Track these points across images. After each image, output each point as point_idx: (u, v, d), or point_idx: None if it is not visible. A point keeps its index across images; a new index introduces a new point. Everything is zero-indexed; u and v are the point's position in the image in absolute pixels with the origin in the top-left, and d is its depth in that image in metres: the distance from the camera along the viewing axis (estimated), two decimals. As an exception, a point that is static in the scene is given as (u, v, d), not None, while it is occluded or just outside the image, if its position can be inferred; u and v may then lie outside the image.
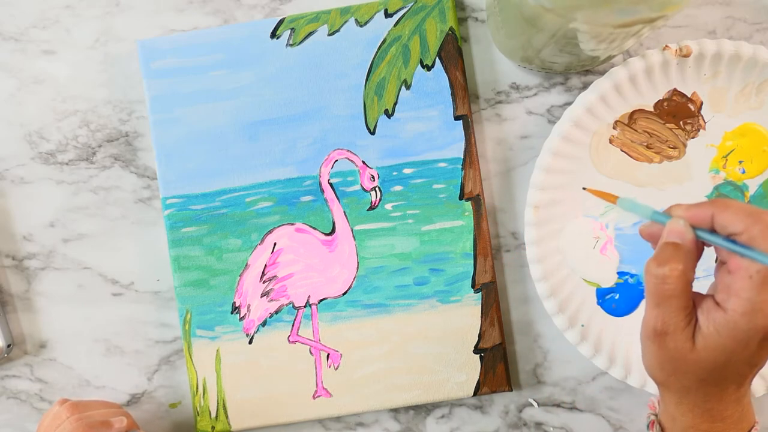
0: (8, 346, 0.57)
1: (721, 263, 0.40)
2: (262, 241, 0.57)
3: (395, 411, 0.58)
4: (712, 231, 0.39)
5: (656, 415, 0.44)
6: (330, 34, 0.57)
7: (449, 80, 0.57)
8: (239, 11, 0.59)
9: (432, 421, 0.58)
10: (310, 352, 0.57)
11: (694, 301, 0.40)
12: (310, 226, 0.57)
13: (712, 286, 0.41)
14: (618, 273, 0.56)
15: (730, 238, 0.38)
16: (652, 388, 0.54)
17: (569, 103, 0.57)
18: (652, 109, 0.55)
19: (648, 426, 0.45)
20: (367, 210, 0.57)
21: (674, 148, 0.56)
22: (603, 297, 0.56)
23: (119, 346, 0.59)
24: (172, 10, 0.59)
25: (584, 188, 0.51)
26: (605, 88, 0.53)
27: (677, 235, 0.40)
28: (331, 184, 0.57)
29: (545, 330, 0.58)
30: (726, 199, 0.40)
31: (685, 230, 0.40)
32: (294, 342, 0.57)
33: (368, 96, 0.57)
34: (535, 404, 0.58)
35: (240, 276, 0.57)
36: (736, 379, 0.40)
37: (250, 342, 0.57)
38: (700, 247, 0.40)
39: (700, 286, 0.56)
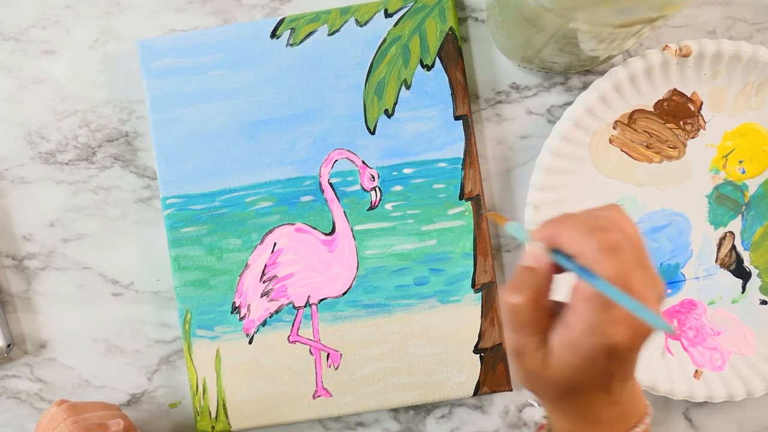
0: (8, 346, 0.57)
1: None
2: (262, 241, 0.57)
3: (395, 411, 0.58)
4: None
5: (546, 418, 0.45)
6: (330, 34, 0.57)
7: (449, 80, 0.57)
8: (239, 11, 0.59)
9: (432, 421, 0.58)
10: (310, 352, 0.57)
11: (550, 318, 0.40)
12: (310, 226, 0.57)
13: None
14: (618, 273, 0.56)
15: (571, 259, 0.38)
16: (653, 388, 0.54)
17: (569, 103, 0.57)
18: (652, 109, 0.55)
19: (536, 429, 0.45)
20: (367, 210, 0.57)
21: (674, 148, 0.56)
22: (603, 297, 0.56)
23: (119, 346, 0.59)
24: (172, 10, 0.59)
25: (485, 212, 0.53)
26: (605, 88, 0.53)
27: (533, 258, 0.39)
28: (331, 184, 0.57)
29: (545, 330, 0.58)
30: (570, 214, 0.39)
31: (541, 253, 0.39)
32: (294, 342, 0.57)
33: (368, 96, 0.57)
34: (535, 404, 0.58)
35: (240, 276, 0.57)
36: (600, 388, 0.40)
37: (250, 342, 0.57)
38: (557, 268, 0.40)
39: (701, 286, 0.56)
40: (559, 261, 0.38)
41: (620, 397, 0.41)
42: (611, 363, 0.38)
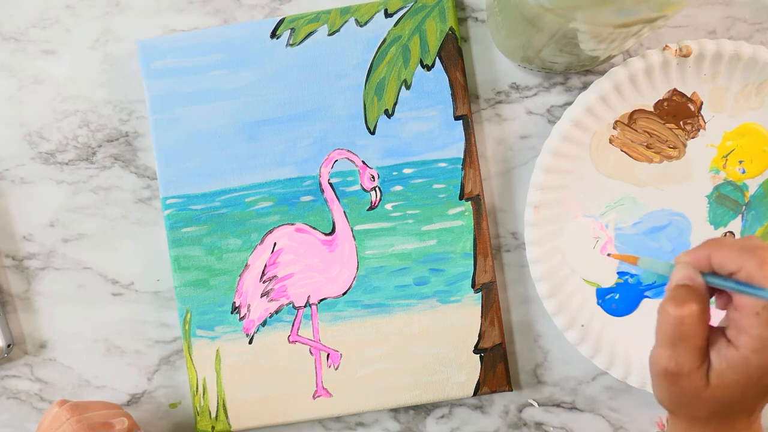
0: (8, 346, 0.57)
1: (727, 298, 0.41)
2: (262, 241, 0.57)
3: (395, 411, 0.58)
4: (714, 273, 0.40)
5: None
6: (330, 34, 0.57)
7: (449, 80, 0.57)
8: (239, 11, 0.59)
9: (432, 421, 0.58)
10: (310, 352, 0.57)
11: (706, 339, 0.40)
12: (310, 226, 0.57)
13: (723, 319, 0.42)
14: (618, 273, 0.56)
15: (730, 277, 0.39)
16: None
17: (569, 103, 0.57)
18: (652, 109, 0.55)
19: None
20: (367, 210, 0.57)
21: (674, 148, 0.56)
22: (603, 297, 0.56)
23: (119, 346, 0.59)
24: (172, 10, 0.59)
25: (609, 254, 0.54)
26: (605, 88, 0.53)
27: (687, 278, 0.40)
28: (331, 184, 0.57)
29: (545, 330, 0.58)
30: (719, 238, 0.41)
31: (693, 274, 0.40)
32: (294, 342, 0.57)
33: (368, 96, 0.57)
34: (535, 404, 0.58)
35: (240, 276, 0.57)
36: (748, 410, 0.40)
37: (250, 342, 0.57)
38: (709, 291, 0.40)
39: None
40: (715, 282, 0.39)
41: (755, 422, 0.41)
42: None
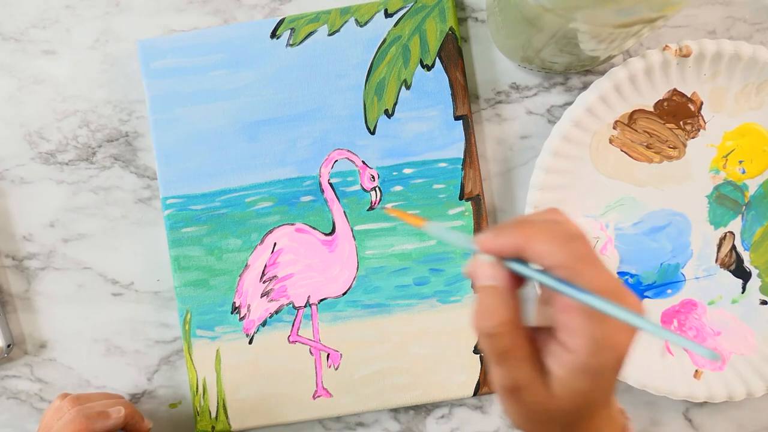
0: (8, 346, 0.57)
1: (546, 293, 0.36)
2: (262, 241, 0.57)
3: (395, 411, 0.58)
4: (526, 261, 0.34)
5: None
6: (330, 34, 0.57)
7: (449, 80, 0.57)
8: (239, 11, 0.59)
9: (432, 421, 0.58)
10: (310, 352, 0.57)
11: (536, 342, 0.35)
12: (310, 226, 0.57)
13: (544, 317, 0.37)
14: (618, 273, 0.56)
15: (546, 271, 0.33)
16: (653, 388, 0.54)
17: (569, 103, 0.57)
18: (652, 109, 0.55)
19: None
20: (367, 210, 0.57)
21: (674, 148, 0.56)
22: (603, 297, 0.56)
23: (119, 346, 0.59)
24: (172, 10, 0.59)
25: (383, 208, 0.50)
26: (605, 88, 0.53)
27: (490, 276, 0.34)
28: (331, 184, 0.57)
29: (545, 330, 0.58)
30: (536, 221, 0.34)
31: (494, 268, 0.34)
32: (294, 342, 0.57)
33: (368, 96, 0.57)
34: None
35: (240, 276, 0.57)
36: (604, 405, 0.36)
37: (250, 342, 0.57)
38: (518, 277, 0.35)
39: (701, 286, 0.56)
40: (525, 273, 0.34)
41: (612, 407, 0.38)
42: (618, 372, 0.35)
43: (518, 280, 0.35)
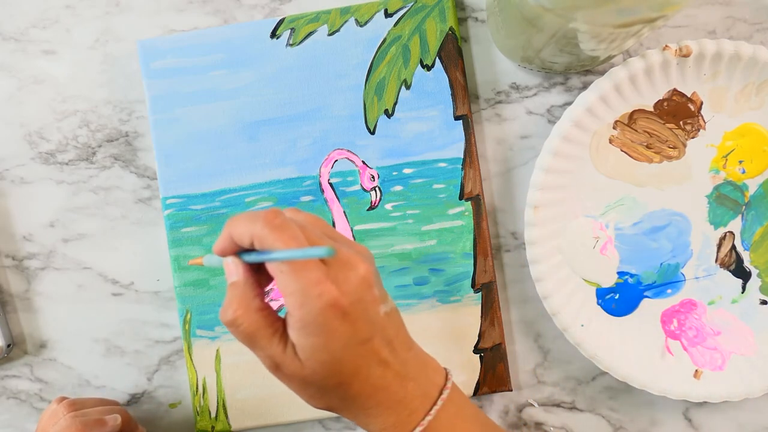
0: (8, 346, 0.57)
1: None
2: (262, 241, 0.57)
3: (395, 411, 0.58)
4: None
5: None
6: (330, 34, 0.57)
7: (449, 80, 0.57)
8: (239, 11, 0.59)
9: (432, 421, 0.58)
10: (310, 352, 0.57)
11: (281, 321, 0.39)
12: (310, 226, 0.57)
13: None
14: (618, 273, 0.56)
15: (256, 250, 0.38)
16: (653, 388, 0.54)
17: (569, 103, 0.57)
18: (652, 109, 0.55)
19: None
20: (367, 210, 0.57)
21: (674, 148, 0.56)
22: (603, 297, 0.56)
23: (119, 346, 0.59)
24: (172, 10, 0.59)
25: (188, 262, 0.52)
26: (605, 88, 0.53)
27: (232, 273, 0.39)
28: (331, 184, 0.57)
29: (545, 330, 0.58)
30: (237, 214, 0.40)
31: (233, 265, 0.39)
32: (294, 342, 0.57)
33: (368, 96, 0.57)
34: (535, 404, 0.58)
35: (240, 276, 0.57)
36: (374, 362, 0.39)
37: (250, 342, 0.57)
38: (257, 268, 0.40)
39: (701, 286, 0.56)
40: (248, 259, 0.39)
41: (406, 369, 0.40)
42: (352, 325, 0.37)
43: (258, 270, 0.39)
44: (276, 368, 0.39)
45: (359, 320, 0.38)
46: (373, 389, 0.39)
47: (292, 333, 0.38)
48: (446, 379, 0.42)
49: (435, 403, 0.40)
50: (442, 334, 0.56)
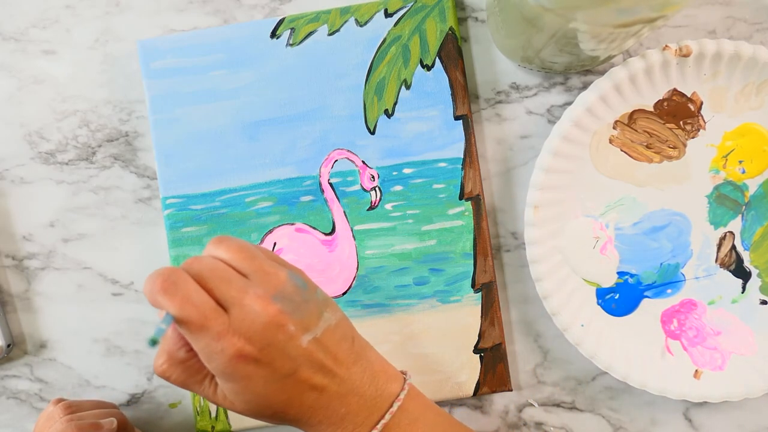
0: (8, 346, 0.57)
1: None
2: (262, 241, 0.57)
3: (395, 411, 0.58)
4: None
5: None
6: (330, 34, 0.57)
7: (449, 80, 0.57)
8: (239, 11, 0.59)
9: (432, 421, 0.58)
10: (310, 352, 0.57)
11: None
12: (310, 226, 0.57)
13: None
14: (618, 273, 0.56)
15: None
16: (653, 388, 0.54)
17: (569, 103, 0.57)
18: (652, 109, 0.55)
19: None
20: (367, 210, 0.57)
21: (674, 148, 0.56)
22: (603, 297, 0.56)
23: (119, 346, 0.59)
24: (172, 10, 0.59)
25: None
26: (605, 88, 0.53)
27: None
28: (331, 184, 0.57)
29: (545, 330, 0.58)
30: (155, 271, 0.39)
31: (161, 317, 0.40)
32: (294, 342, 0.57)
33: (368, 96, 0.57)
34: (535, 404, 0.58)
35: (240, 276, 0.57)
36: (301, 391, 0.40)
37: (250, 342, 0.57)
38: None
39: (701, 286, 0.56)
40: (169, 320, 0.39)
41: (347, 386, 0.40)
42: (269, 366, 0.38)
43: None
44: (218, 405, 0.42)
45: (275, 360, 0.38)
46: (311, 410, 0.40)
47: (216, 379, 0.40)
48: (402, 388, 0.42)
49: (383, 417, 0.40)
50: (442, 334, 0.56)
